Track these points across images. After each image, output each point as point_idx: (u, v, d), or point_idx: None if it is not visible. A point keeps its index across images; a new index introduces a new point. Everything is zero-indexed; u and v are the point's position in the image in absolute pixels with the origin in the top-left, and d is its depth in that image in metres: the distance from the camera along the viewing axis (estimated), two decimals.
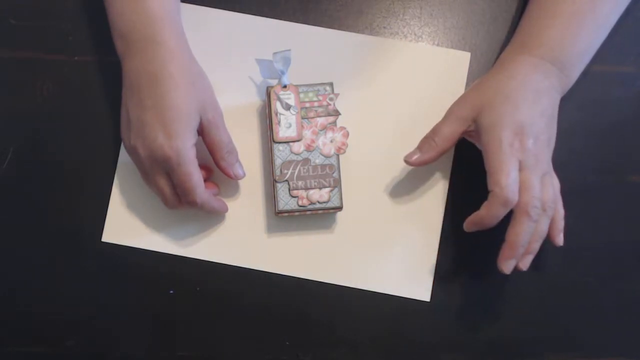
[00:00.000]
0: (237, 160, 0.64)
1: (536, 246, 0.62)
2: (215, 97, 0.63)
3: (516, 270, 0.61)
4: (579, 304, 0.67)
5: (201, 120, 0.60)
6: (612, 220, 0.68)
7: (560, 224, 0.63)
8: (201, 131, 0.61)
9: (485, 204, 0.60)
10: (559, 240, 0.64)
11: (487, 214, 0.59)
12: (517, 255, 0.60)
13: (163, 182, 0.61)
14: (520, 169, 0.59)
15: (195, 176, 0.59)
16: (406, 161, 0.64)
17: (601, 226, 0.68)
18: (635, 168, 0.68)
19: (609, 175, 0.68)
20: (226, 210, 0.65)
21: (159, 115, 0.58)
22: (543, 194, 0.60)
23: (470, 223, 0.61)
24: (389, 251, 0.67)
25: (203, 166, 0.63)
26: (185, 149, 0.58)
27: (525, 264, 0.62)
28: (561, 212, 0.63)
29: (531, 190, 0.59)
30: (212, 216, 0.67)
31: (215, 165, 0.63)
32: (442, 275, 0.67)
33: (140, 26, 0.60)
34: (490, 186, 0.59)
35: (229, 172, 0.63)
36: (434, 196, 0.67)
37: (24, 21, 0.69)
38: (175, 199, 0.61)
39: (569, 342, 0.67)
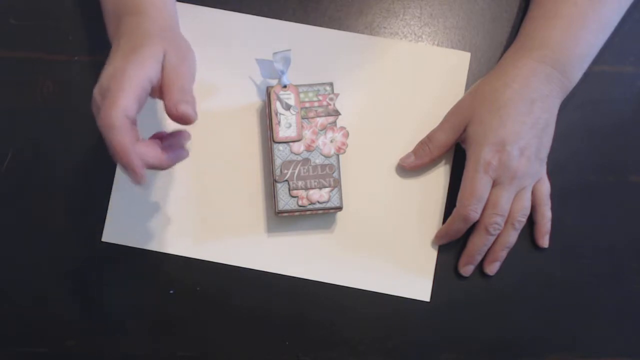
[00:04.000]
0: (190, 101, 0.55)
1: (502, 254, 0.65)
2: (192, 57, 0.58)
3: (487, 274, 0.66)
4: (579, 304, 0.67)
5: (164, 64, 0.55)
6: (612, 220, 0.68)
7: (545, 226, 0.66)
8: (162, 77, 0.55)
9: (449, 218, 0.64)
10: (543, 242, 0.66)
11: (449, 228, 0.64)
12: (474, 261, 0.65)
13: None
14: (493, 185, 0.62)
15: (119, 101, 0.51)
16: (401, 164, 0.66)
17: (601, 226, 0.68)
18: (635, 168, 0.68)
19: (609, 175, 0.68)
20: (172, 161, 0.56)
21: (124, 54, 0.54)
22: (513, 209, 0.63)
23: (438, 237, 0.66)
24: (389, 251, 0.67)
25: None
26: (125, 78, 0.52)
27: (492, 270, 0.66)
28: (547, 215, 0.66)
29: (496, 207, 0.62)
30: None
31: (165, 107, 0.55)
32: (442, 275, 0.67)
33: (125, 2, 0.58)
34: (457, 200, 0.63)
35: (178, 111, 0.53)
36: (434, 196, 0.67)
37: (24, 21, 0.69)
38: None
39: (569, 342, 0.67)
